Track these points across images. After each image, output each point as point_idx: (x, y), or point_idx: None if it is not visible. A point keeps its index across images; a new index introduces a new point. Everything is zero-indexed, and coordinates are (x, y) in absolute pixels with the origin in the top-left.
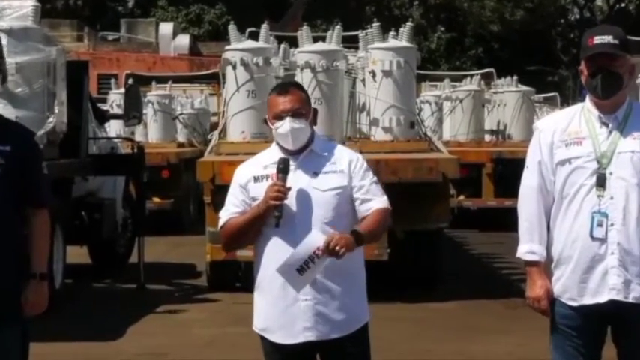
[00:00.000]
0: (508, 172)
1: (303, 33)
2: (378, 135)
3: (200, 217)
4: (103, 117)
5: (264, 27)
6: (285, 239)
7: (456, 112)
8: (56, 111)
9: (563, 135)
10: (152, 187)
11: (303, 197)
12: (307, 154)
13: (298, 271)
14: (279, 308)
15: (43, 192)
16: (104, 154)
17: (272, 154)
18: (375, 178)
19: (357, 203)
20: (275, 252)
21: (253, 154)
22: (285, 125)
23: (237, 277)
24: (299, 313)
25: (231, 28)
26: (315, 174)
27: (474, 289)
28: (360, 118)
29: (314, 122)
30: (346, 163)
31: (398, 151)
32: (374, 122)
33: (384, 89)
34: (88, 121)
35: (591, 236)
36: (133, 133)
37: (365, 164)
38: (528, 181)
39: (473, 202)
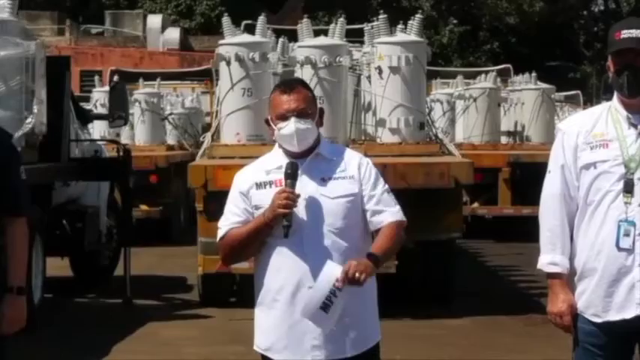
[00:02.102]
0: (526, 177)
1: (304, 26)
2: (385, 137)
3: (191, 227)
4: (86, 117)
5: (261, 19)
6: (291, 250)
7: (470, 112)
8: (35, 111)
9: (588, 137)
10: (139, 193)
11: (311, 205)
12: (313, 158)
13: (323, 309)
14: (286, 325)
15: (21, 199)
16: (87, 157)
17: (275, 158)
18: (387, 186)
19: (368, 214)
20: (280, 264)
21: (249, 157)
22: (289, 126)
23: (232, 292)
24: (307, 331)
25: (225, 21)
26: (323, 180)
27: (490, 304)
28: (366, 119)
29: (320, 123)
30: (356, 168)
31: (406, 155)
32: (380, 123)
33: (391, 87)
34: (70, 121)
35: (617, 247)
36: (118, 135)
37: (375, 170)
38: (550, 187)
39: (488, 210)
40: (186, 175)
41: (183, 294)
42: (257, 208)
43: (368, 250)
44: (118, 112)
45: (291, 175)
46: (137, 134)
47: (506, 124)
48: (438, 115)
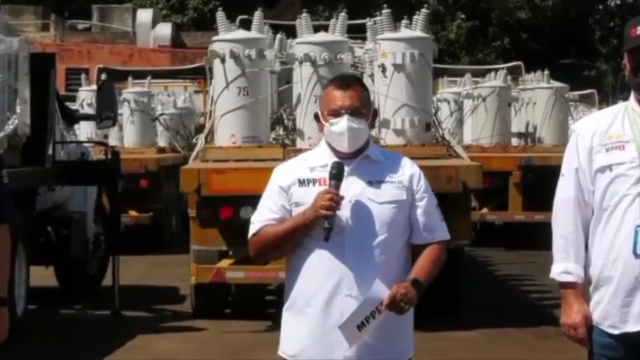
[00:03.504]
0: (538, 181)
1: (303, 21)
2: (389, 138)
3: (184, 234)
4: (72, 118)
5: (258, 14)
6: (331, 254)
7: (479, 113)
8: (18, 111)
9: (604, 138)
10: (128, 198)
11: (356, 208)
12: (361, 160)
13: (358, 327)
14: (318, 333)
15: (3, 204)
16: (73, 160)
17: (321, 156)
18: (436, 200)
19: (419, 227)
20: (317, 268)
21: (245, 160)
22: (342, 123)
23: (227, 303)
24: (340, 340)
25: (220, 16)
26: (371, 183)
27: (500, 316)
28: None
29: (372, 125)
30: (407, 176)
31: (411, 157)
32: (384, 124)
33: (395, 86)
34: (55, 122)
35: (635, 254)
36: (106, 137)
37: (426, 180)
38: (564, 192)
39: (498, 215)
40: (178, 179)
41: (174, 305)
42: (297, 205)
43: (408, 263)
44: (105, 113)
45: (337, 176)
46: (126, 136)
47: (517, 125)
48: (445, 115)
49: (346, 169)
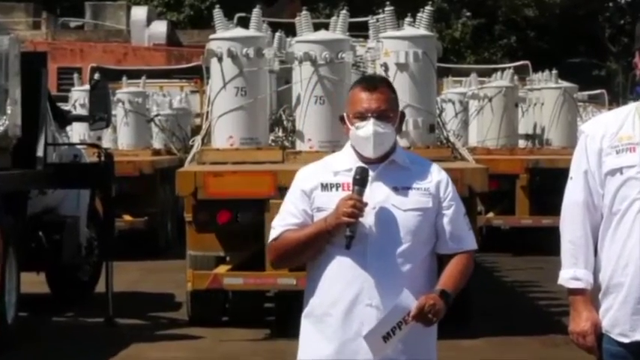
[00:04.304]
0: (546, 184)
1: (302, 19)
2: None
3: (180, 239)
4: (65, 119)
5: (256, 12)
6: (352, 262)
7: (485, 113)
8: (8, 112)
9: (614, 140)
10: (122, 202)
11: (380, 215)
12: (387, 165)
13: (384, 338)
14: (338, 342)
15: None
16: (65, 162)
17: (345, 160)
18: (464, 208)
19: (446, 236)
20: (338, 276)
21: (243, 162)
22: (367, 127)
23: (224, 310)
24: (361, 350)
25: (217, 13)
26: (396, 189)
27: (507, 323)
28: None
29: (400, 129)
30: (434, 183)
31: None
32: None
33: (398, 86)
34: (47, 123)
35: None
36: (99, 138)
37: (454, 188)
38: (573, 195)
39: (505, 220)
40: (174, 182)
41: (170, 312)
42: (319, 210)
43: (433, 272)
44: (99, 114)
45: (360, 182)
46: (120, 137)
47: (524, 127)
48: (450, 116)
49: (371, 174)
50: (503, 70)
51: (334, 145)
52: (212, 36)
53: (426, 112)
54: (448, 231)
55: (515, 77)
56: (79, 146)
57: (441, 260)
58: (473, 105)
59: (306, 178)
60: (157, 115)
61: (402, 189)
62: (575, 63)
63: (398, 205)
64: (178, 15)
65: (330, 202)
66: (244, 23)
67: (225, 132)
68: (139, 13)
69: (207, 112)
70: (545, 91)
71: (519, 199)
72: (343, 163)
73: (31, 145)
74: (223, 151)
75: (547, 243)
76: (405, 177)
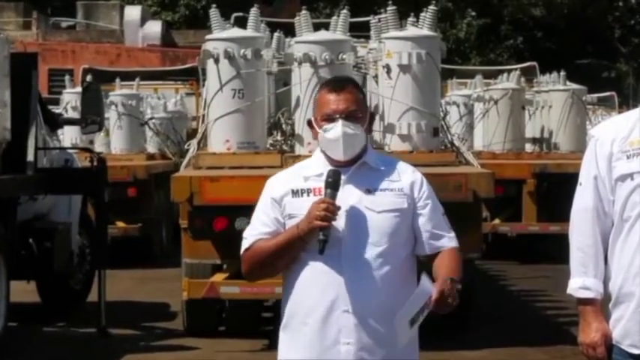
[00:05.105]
0: (554, 190)
1: (302, 19)
2: (394, 144)
3: (175, 246)
4: (56, 122)
5: (254, 11)
6: (327, 268)
7: (490, 117)
8: None
9: (625, 144)
10: (116, 208)
11: (353, 218)
12: (359, 167)
13: (410, 322)
14: (315, 351)
15: None
16: (56, 167)
17: (316, 165)
18: (442, 208)
19: (425, 236)
20: (312, 283)
21: (240, 167)
22: (336, 129)
23: (221, 320)
24: (339, 357)
25: (213, 13)
26: (369, 191)
27: (513, 334)
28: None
29: (370, 129)
30: (408, 183)
31: (418, 164)
32: (389, 128)
33: (401, 88)
34: (37, 127)
35: None
36: (92, 142)
37: (430, 187)
38: (582, 201)
39: (511, 227)
40: (169, 187)
41: (165, 322)
42: (291, 217)
43: (412, 275)
44: (91, 117)
45: (333, 184)
46: (113, 141)
47: (531, 130)
48: (454, 119)
49: (343, 177)
50: (509, 71)
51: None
52: (208, 36)
53: (429, 115)
54: (426, 231)
55: (522, 79)
56: (70, 150)
57: (422, 262)
58: (478, 108)
59: (276, 185)
60: (151, 119)
61: (375, 191)
62: (584, 64)
63: (371, 207)
64: (173, 15)
65: (301, 209)
66: (242, 23)
67: (221, 136)
68: (133, 12)
69: (204, 115)
70: (553, 94)
71: (526, 205)
72: (313, 168)
73: (21, 150)
74: (220, 156)
75: (555, 251)
76: (378, 178)
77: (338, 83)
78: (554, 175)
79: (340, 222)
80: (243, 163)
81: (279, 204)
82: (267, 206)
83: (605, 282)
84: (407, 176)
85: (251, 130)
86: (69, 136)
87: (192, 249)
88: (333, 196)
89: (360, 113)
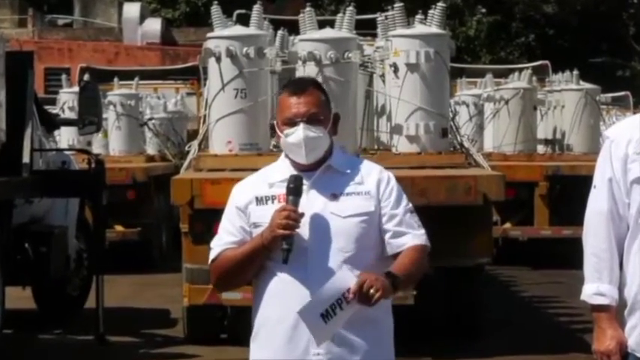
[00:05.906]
0: (567, 193)
1: (306, 16)
2: (402, 146)
3: (175, 251)
4: (52, 123)
5: (257, 8)
6: (293, 277)
7: (501, 117)
8: None
9: None
10: (114, 211)
11: (318, 225)
12: (324, 171)
13: (323, 317)
14: None
15: None
16: (53, 169)
17: (280, 170)
18: (411, 205)
19: (387, 235)
20: (280, 293)
21: (242, 170)
22: (297, 133)
23: (222, 327)
24: None
25: (215, 10)
26: (334, 196)
27: (524, 341)
28: (379, 125)
29: (334, 131)
30: (374, 184)
31: (427, 166)
32: (396, 129)
33: (408, 88)
34: (33, 127)
35: None
36: (89, 144)
37: (397, 186)
38: (596, 205)
39: (522, 231)
40: (169, 190)
41: (165, 329)
42: (256, 226)
43: None
44: (89, 117)
45: (294, 191)
46: (112, 142)
47: (543, 131)
48: (464, 120)
49: (306, 182)
50: (520, 70)
51: (343, 150)
52: (210, 34)
53: (438, 116)
54: (388, 230)
55: (534, 78)
56: (67, 152)
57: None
58: (488, 108)
59: (240, 193)
60: (150, 119)
61: (340, 195)
62: (598, 63)
63: (337, 212)
64: (173, 12)
65: (266, 217)
66: (244, 21)
67: (223, 137)
68: (132, 10)
69: (205, 116)
70: (566, 93)
71: (538, 209)
72: (278, 173)
73: (17, 151)
74: (221, 158)
75: (568, 255)
76: (344, 182)
77: (298, 86)
78: (567, 177)
79: (305, 230)
80: (245, 165)
81: (244, 212)
82: (232, 215)
83: (621, 288)
84: (373, 177)
85: (254, 131)
86: (66, 137)
87: (193, 254)
88: (295, 203)
89: (322, 116)
